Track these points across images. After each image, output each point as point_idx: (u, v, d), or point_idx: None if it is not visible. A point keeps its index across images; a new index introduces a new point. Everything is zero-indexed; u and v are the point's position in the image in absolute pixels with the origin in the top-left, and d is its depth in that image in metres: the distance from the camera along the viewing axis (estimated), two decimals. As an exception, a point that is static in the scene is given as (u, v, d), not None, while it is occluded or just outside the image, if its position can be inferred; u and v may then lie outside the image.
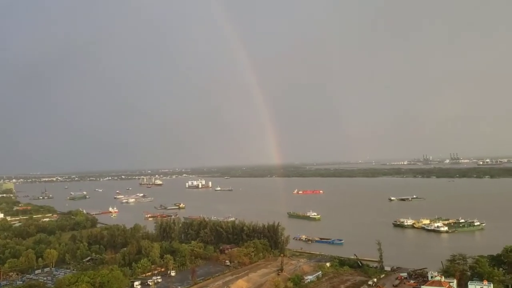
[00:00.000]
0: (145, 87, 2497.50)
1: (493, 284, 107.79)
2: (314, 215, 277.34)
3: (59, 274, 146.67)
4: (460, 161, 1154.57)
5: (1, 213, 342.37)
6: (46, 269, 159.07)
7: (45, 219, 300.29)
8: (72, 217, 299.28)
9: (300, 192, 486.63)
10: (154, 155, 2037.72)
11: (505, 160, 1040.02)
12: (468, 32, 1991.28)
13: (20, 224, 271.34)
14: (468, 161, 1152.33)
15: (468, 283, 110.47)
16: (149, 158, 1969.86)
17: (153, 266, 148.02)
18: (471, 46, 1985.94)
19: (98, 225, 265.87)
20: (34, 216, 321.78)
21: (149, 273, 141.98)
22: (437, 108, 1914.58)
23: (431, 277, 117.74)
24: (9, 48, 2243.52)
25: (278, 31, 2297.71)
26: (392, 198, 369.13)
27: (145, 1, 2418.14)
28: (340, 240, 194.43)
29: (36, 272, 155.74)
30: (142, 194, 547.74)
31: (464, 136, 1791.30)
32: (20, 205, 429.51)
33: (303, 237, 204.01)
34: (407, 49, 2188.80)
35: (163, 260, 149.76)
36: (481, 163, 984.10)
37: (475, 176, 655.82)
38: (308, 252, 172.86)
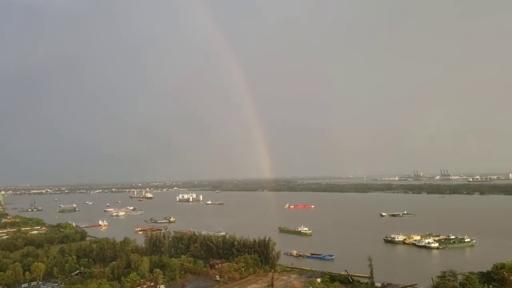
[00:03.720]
0: (133, 99, 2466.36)
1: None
2: (305, 230, 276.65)
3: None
4: (450, 177, 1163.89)
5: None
6: (33, 283, 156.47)
7: (33, 232, 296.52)
8: (61, 229, 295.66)
9: (291, 206, 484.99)
10: (144, 168, 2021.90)
11: (495, 177, 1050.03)
12: (458, 46, 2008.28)
13: (7, 236, 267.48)
14: (458, 177, 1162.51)
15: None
16: (139, 171, 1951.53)
17: (142, 280, 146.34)
18: (462, 60, 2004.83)
19: (88, 238, 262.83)
20: (23, 229, 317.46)
21: (138, 287, 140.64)
22: (428, 123, 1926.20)
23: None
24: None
25: (268, 42, 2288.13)
26: (383, 214, 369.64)
27: (130, 15, 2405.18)
28: (331, 256, 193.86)
29: (23, 286, 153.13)
30: (132, 207, 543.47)
31: (454, 152, 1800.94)
32: (8, 217, 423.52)
33: (294, 252, 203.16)
34: (399, 63, 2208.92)
35: (152, 275, 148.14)
36: (471, 179, 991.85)
37: (465, 192, 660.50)
38: (299, 267, 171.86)
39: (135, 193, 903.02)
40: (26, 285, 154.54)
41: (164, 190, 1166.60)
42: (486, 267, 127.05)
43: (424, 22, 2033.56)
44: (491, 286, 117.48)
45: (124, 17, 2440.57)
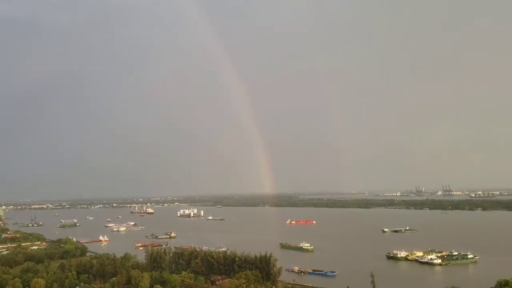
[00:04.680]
0: (132, 114, 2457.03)
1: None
2: (307, 246, 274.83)
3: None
4: (452, 193, 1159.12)
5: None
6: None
7: (33, 247, 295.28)
8: (61, 245, 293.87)
9: (293, 222, 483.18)
10: (145, 183, 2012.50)
11: (497, 193, 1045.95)
12: (459, 53, 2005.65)
13: (8, 252, 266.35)
14: (461, 193, 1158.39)
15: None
16: (141, 186, 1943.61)
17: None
18: (463, 68, 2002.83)
19: (88, 254, 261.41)
20: (23, 244, 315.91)
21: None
22: (430, 139, 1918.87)
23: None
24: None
25: (268, 43, 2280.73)
26: (385, 230, 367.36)
27: (127, 27, 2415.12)
28: (333, 272, 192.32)
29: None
30: (133, 223, 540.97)
31: (456, 168, 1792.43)
32: (8, 232, 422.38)
33: (296, 268, 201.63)
34: (400, 80, 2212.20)
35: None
36: (473, 195, 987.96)
37: (467, 208, 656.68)
38: (300, 284, 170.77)
39: (136, 208, 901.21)
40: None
41: (165, 205, 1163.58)
42: (490, 284, 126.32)
43: (424, 25, 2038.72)
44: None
45: (120, 30, 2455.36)
